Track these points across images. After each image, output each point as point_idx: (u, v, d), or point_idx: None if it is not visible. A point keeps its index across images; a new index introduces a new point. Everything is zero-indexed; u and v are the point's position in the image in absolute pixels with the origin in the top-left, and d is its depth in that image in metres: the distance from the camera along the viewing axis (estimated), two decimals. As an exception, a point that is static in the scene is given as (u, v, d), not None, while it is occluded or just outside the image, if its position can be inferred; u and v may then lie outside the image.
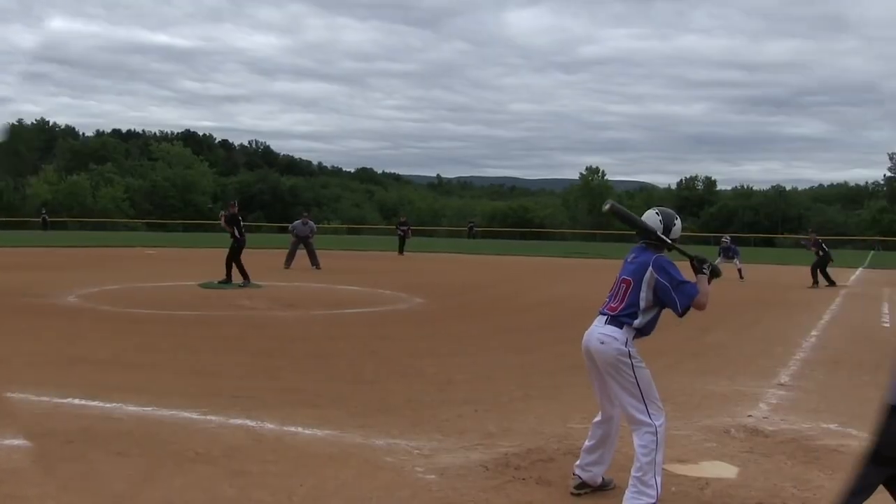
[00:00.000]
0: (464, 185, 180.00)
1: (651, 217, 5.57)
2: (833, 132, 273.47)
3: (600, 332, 5.39)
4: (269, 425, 7.06)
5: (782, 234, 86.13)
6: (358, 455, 6.25)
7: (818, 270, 26.35)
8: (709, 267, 5.48)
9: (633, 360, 5.29)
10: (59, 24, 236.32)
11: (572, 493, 5.55)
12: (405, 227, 42.58)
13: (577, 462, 5.64)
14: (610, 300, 5.50)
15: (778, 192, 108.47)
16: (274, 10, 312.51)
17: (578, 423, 7.04)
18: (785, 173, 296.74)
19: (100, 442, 6.38)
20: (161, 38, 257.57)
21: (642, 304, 5.34)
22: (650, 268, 5.33)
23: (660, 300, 5.36)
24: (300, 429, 6.98)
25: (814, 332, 14.50)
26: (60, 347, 11.17)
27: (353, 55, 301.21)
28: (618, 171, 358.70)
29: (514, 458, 6.22)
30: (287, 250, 29.00)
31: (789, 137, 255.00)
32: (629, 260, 5.54)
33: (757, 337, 14.06)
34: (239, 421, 7.18)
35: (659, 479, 5.15)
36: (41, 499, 5.22)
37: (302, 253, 28.48)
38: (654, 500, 5.10)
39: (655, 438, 5.18)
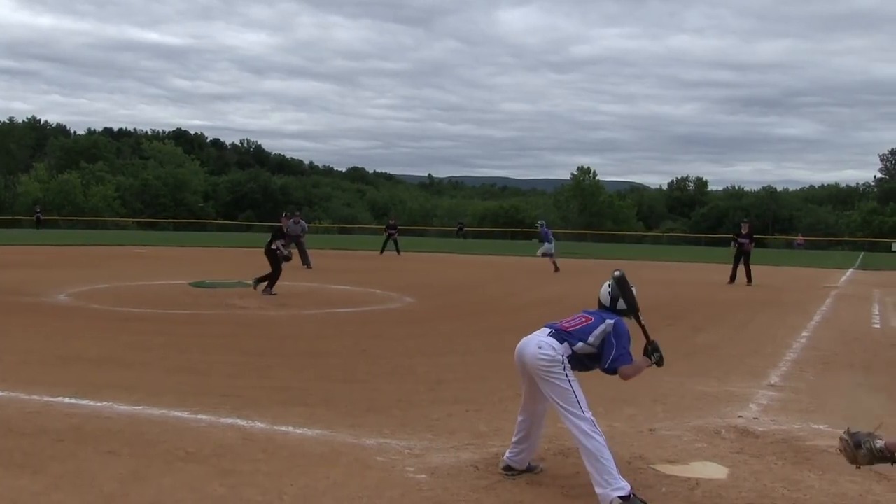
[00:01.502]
0: (455, 185, 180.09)
1: (603, 291, 5.89)
2: (824, 133, 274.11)
3: (541, 339, 5.61)
4: (260, 424, 7.05)
5: (773, 234, 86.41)
6: (348, 454, 6.25)
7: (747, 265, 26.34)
8: (657, 357, 5.78)
9: (567, 371, 5.50)
10: (49, 20, 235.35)
11: (501, 473, 5.88)
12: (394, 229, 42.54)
13: (507, 453, 5.95)
14: (563, 322, 5.77)
15: (769, 193, 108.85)
16: (265, 8, 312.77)
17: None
18: (776, 174, 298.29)
19: (90, 441, 6.37)
20: (152, 36, 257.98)
21: (590, 339, 5.60)
22: (613, 322, 5.63)
23: (599, 350, 5.62)
24: (291, 428, 6.98)
25: (804, 333, 14.53)
26: (51, 346, 11.14)
27: (344, 54, 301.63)
28: (609, 171, 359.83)
29: (504, 457, 6.22)
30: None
31: (780, 138, 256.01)
32: (590, 311, 5.85)
33: (748, 337, 14.09)
34: (229, 420, 7.17)
35: (614, 470, 5.28)
36: (32, 497, 5.20)
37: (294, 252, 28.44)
38: (627, 492, 5.19)
39: (598, 430, 5.35)
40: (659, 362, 5.79)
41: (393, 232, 41.72)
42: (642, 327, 5.83)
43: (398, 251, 40.23)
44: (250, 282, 19.29)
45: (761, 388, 9.49)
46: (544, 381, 5.50)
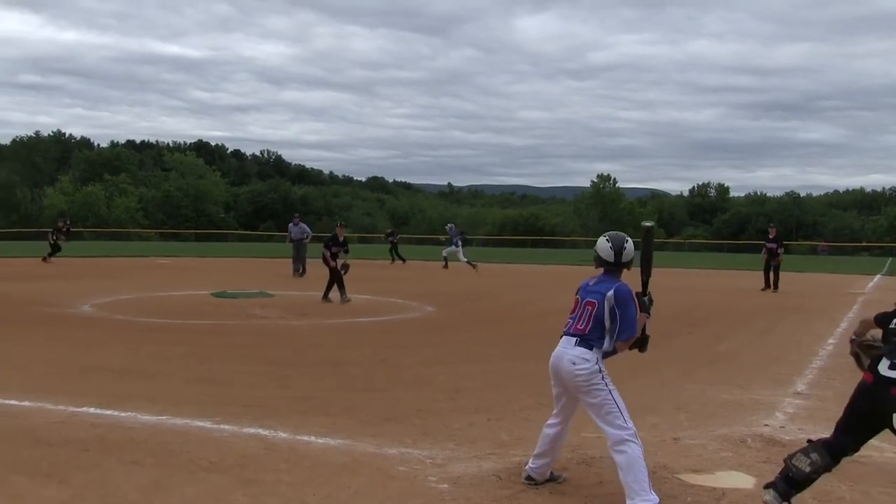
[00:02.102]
0: (475, 194, 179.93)
1: (603, 246, 5.80)
2: (848, 137, 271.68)
3: (572, 354, 5.55)
4: (282, 434, 7.06)
5: (797, 240, 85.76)
6: (370, 464, 6.24)
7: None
8: (649, 305, 5.74)
9: (605, 379, 5.48)
10: (72, 35, 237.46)
11: (523, 483, 5.86)
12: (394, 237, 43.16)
13: (529, 464, 5.91)
14: (575, 321, 5.67)
15: (792, 199, 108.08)
16: (283, 19, 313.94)
17: (591, 432, 6.98)
18: (799, 179, 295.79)
19: (114, 451, 6.39)
20: (172, 49, 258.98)
21: (607, 324, 5.54)
22: (612, 293, 5.54)
23: (614, 326, 5.56)
24: (313, 437, 6.98)
25: (831, 340, 14.34)
26: (75, 357, 11.22)
27: (361, 63, 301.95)
28: (629, 178, 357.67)
29: (527, 466, 6.19)
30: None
31: (803, 143, 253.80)
32: (591, 284, 5.74)
33: (772, 344, 13.98)
34: (252, 430, 7.18)
35: (648, 483, 5.29)
36: (55, 508, 5.23)
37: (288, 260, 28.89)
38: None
39: (639, 443, 5.34)
40: (647, 310, 5.71)
41: (393, 240, 42.09)
42: (645, 282, 5.85)
43: (402, 259, 40.45)
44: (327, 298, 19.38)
45: (787, 395, 9.40)
46: (585, 393, 5.49)
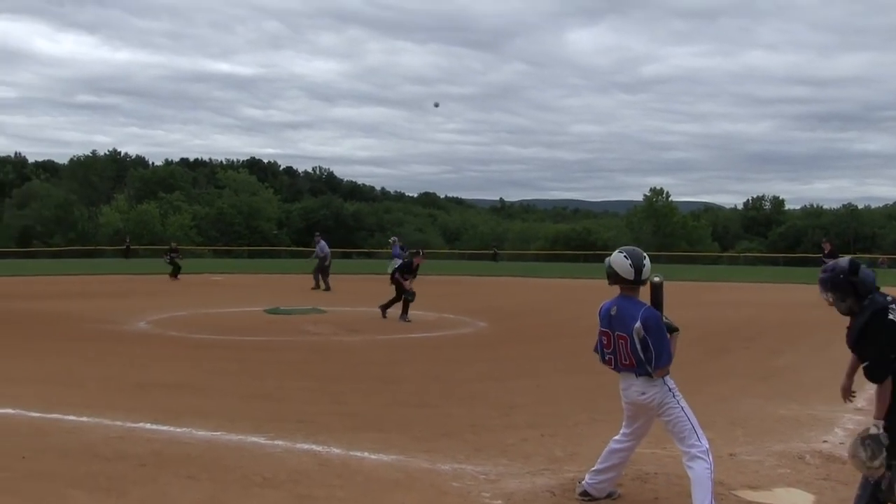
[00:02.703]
0: (526, 209, 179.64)
1: (621, 263, 5.61)
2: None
3: (638, 387, 5.54)
4: (335, 450, 7.08)
5: (855, 253, 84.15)
6: (424, 480, 6.24)
7: None
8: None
9: (676, 396, 5.49)
10: (125, 55, 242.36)
11: (577, 499, 5.82)
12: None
13: (587, 479, 5.84)
14: (618, 358, 5.58)
15: (849, 211, 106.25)
16: (333, 36, 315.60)
17: (646, 447, 6.93)
18: (856, 191, 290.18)
19: (170, 465, 6.47)
20: (223, 67, 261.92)
21: (643, 355, 5.45)
22: (639, 324, 5.42)
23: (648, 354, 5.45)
24: (366, 454, 6.99)
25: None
26: (132, 373, 11.37)
27: (412, 79, 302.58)
28: (682, 191, 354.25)
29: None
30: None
31: (860, 154, 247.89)
32: (612, 312, 5.61)
33: (830, 359, 13.66)
34: (305, 446, 7.21)
35: (710, 501, 5.27)
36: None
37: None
38: None
39: (709, 461, 5.33)
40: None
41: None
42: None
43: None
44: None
45: (847, 411, 9.19)
46: (660, 414, 5.52)
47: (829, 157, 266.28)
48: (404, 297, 19.33)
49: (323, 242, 31.68)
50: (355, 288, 31.95)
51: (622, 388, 5.64)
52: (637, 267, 5.55)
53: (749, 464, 6.77)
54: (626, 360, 5.52)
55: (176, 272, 36.98)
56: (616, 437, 5.82)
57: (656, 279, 5.65)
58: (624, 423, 5.79)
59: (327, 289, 29.17)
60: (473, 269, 54.69)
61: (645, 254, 5.68)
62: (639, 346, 5.43)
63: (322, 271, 30.33)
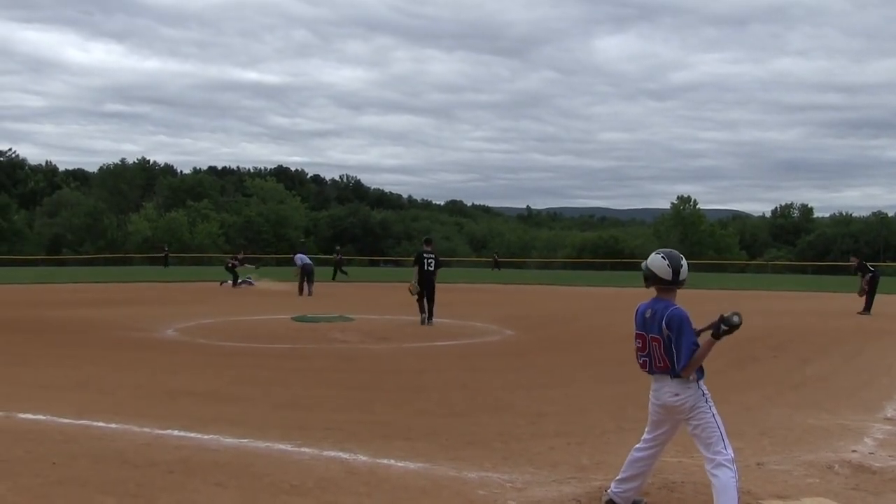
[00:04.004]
0: (554, 217, 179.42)
1: (659, 264, 5.56)
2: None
3: (671, 389, 5.49)
4: (362, 458, 7.10)
5: (884, 261, 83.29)
6: (450, 488, 6.24)
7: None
8: (727, 328, 5.33)
9: (709, 402, 5.44)
10: (154, 64, 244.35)
11: None
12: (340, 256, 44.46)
13: (612, 487, 5.80)
14: (652, 361, 5.56)
15: (879, 219, 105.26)
16: (361, 44, 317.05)
17: (672, 456, 6.90)
18: (888, 199, 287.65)
19: (199, 473, 6.51)
20: (251, 75, 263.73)
21: (675, 356, 5.42)
22: (663, 321, 5.44)
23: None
24: (393, 461, 7.01)
25: (921, 364, 13.90)
26: (160, 380, 11.46)
27: (440, 87, 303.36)
28: (710, 199, 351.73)
29: (608, 492, 6.11)
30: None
31: (893, 161, 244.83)
32: (647, 315, 5.59)
33: (860, 368, 13.59)
34: (332, 453, 7.24)
35: None
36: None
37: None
38: None
39: (734, 470, 5.27)
40: (730, 326, 5.31)
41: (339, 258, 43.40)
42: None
43: (334, 277, 41.22)
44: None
45: (877, 421, 9.12)
46: (690, 419, 5.45)
47: (860, 164, 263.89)
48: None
49: (299, 255, 34.23)
50: (382, 296, 32.05)
51: (653, 391, 5.60)
52: (675, 268, 5.52)
53: (777, 473, 6.72)
54: (660, 363, 5.49)
55: (235, 281, 37.83)
56: (638, 445, 5.78)
57: (735, 318, 5.38)
58: (647, 430, 5.74)
59: (309, 294, 31.69)
60: (501, 277, 54.63)
61: (682, 255, 5.66)
62: (672, 346, 5.41)
63: (306, 279, 32.70)
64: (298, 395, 10.49)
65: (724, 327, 5.32)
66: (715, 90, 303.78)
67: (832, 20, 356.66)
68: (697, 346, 5.35)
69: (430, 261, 20.80)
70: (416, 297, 20.36)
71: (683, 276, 5.57)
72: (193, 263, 79.20)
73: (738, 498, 5.22)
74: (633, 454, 5.77)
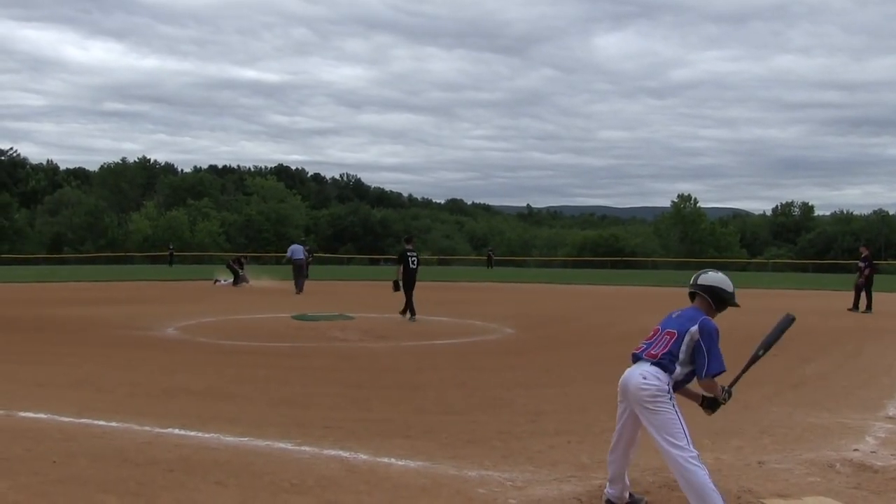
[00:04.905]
0: (554, 215, 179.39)
1: (722, 278, 5.92)
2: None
3: (644, 369, 5.51)
4: (362, 456, 7.09)
5: (885, 259, 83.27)
6: (450, 486, 6.23)
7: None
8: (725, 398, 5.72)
9: (672, 401, 5.42)
10: (153, 62, 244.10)
11: None
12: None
13: (607, 489, 5.83)
14: (649, 347, 5.62)
15: (880, 217, 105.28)
16: (360, 42, 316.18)
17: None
18: (889, 196, 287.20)
19: (199, 471, 6.50)
20: (250, 74, 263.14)
21: (681, 356, 5.48)
22: (696, 328, 5.49)
23: (692, 360, 5.52)
24: (393, 460, 7.00)
25: (922, 363, 13.88)
26: (160, 379, 11.46)
27: (439, 85, 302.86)
28: (710, 197, 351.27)
29: (608, 490, 6.10)
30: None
31: (894, 159, 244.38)
32: (675, 315, 5.72)
33: (861, 367, 13.59)
34: (332, 452, 7.23)
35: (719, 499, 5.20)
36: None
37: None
38: None
39: (702, 464, 5.25)
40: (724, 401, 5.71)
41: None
42: (746, 367, 5.77)
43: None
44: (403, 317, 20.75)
45: (878, 420, 9.11)
46: (648, 410, 5.39)
47: (861, 162, 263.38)
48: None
49: (293, 246, 34.48)
50: (382, 294, 32.03)
51: (624, 374, 5.62)
52: (732, 291, 5.83)
53: (778, 472, 6.71)
54: (654, 350, 5.54)
55: (237, 281, 37.92)
56: (610, 448, 5.83)
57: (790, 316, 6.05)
58: (616, 427, 5.79)
59: (298, 291, 31.95)
60: (499, 276, 54.63)
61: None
62: (683, 346, 5.45)
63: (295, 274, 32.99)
64: (298, 393, 10.49)
65: (712, 401, 5.66)
66: (715, 88, 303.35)
67: (833, 18, 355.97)
68: (722, 362, 5.49)
69: (413, 258, 21.34)
70: (400, 291, 21.06)
71: (731, 303, 5.82)
72: (195, 262, 79.17)
73: (715, 489, 5.18)
74: (608, 458, 5.83)
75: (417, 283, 21.46)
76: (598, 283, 46.08)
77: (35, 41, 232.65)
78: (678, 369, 5.46)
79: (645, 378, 5.42)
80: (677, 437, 5.27)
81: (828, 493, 6.20)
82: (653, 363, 5.49)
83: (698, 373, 5.47)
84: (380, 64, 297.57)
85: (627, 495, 5.81)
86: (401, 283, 20.98)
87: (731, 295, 5.80)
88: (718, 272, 5.93)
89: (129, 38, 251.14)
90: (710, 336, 5.45)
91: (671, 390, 5.41)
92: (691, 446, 5.27)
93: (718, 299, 5.75)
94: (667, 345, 5.50)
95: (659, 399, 5.36)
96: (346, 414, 9.11)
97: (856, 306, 25.53)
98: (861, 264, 26.03)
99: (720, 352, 5.47)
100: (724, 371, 5.46)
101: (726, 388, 5.67)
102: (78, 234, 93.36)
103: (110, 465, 6.65)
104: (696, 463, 5.21)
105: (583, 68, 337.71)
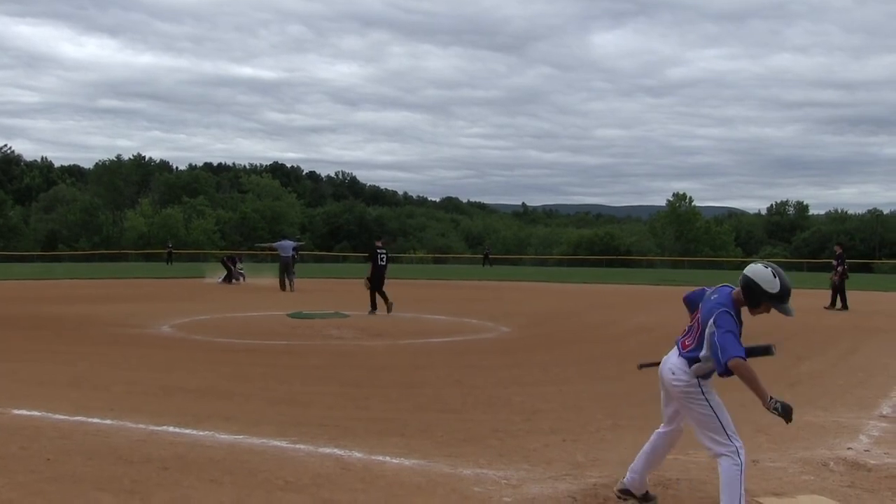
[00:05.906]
0: (549, 213, 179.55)
1: (763, 273, 5.23)
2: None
3: (672, 364, 5.44)
4: (358, 454, 7.09)
5: (880, 259, 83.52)
6: (445, 484, 6.24)
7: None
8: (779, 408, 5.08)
9: (704, 389, 5.30)
10: (148, 59, 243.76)
11: (616, 494, 5.82)
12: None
13: (627, 476, 5.81)
14: (685, 335, 5.46)
15: (875, 216, 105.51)
16: (357, 39, 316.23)
17: (669, 454, 6.90)
18: (885, 196, 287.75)
19: (194, 469, 6.50)
20: (246, 71, 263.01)
21: (703, 351, 5.22)
22: (714, 319, 5.09)
23: (712, 355, 5.12)
24: (388, 458, 7.00)
25: (916, 361, 13.91)
26: (155, 376, 11.44)
27: (435, 83, 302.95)
28: (706, 196, 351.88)
29: (602, 488, 6.11)
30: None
31: (891, 158, 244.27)
32: (711, 298, 5.32)
33: (855, 366, 13.61)
34: (328, 450, 7.23)
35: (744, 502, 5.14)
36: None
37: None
38: None
39: (739, 461, 5.15)
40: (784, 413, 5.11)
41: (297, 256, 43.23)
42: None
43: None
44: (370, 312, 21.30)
45: (872, 419, 9.14)
46: (683, 406, 5.39)
47: (858, 161, 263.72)
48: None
49: (282, 241, 35.17)
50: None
51: (661, 363, 5.53)
52: (784, 285, 5.17)
53: (773, 470, 6.73)
54: (688, 341, 5.38)
55: (229, 278, 38.06)
56: (657, 430, 5.77)
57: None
58: (662, 414, 5.74)
59: (283, 289, 32.26)
60: (495, 274, 54.65)
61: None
62: (706, 338, 5.16)
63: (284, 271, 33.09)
64: (293, 391, 10.48)
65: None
66: (712, 86, 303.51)
67: (832, 16, 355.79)
68: (740, 345, 5.01)
69: (382, 256, 22.47)
70: (370, 289, 21.88)
71: (784, 305, 5.20)
72: (190, 260, 79.12)
73: (742, 493, 5.12)
74: (652, 437, 5.78)
75: (409, 282, 21.68)
76: (594, 282, 46.12)
77: (30, 37, 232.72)
78: (700, 364, 5.27)
79: (674, 373, 5.37)
80: (715, 432, 5.21)
81: (822, 491, 6.22)
82: (681, 355, 5.39)
83: (716, 368, 5.10)
84: (376, 61, 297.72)
85: (645, 490, 5.79)
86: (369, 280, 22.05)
87: (771, 296, 5.12)
88: (769, 265, 5.22)
89: (125, 34, 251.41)
90: (723, 324, 5.03)
91: (700, 383, 5.29)
92: (731, 440, 5.18)
93: (752, 295, 5.16)
94: (696, 336, 5.29)
95: (691, 394, 5.29)
96: (341, 412, 9.11)
97: (833, 304, 25.82)
98: (835, 262, 26.44)
99: (730, 341, 4.98)
100: (741, 357, 4.96)
101: (773, 397, 5.12)
102: (73, 231, 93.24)
103: (105, 462, 6.65)
104: (735, 458, 5.12)
105: (580, 66, 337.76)
